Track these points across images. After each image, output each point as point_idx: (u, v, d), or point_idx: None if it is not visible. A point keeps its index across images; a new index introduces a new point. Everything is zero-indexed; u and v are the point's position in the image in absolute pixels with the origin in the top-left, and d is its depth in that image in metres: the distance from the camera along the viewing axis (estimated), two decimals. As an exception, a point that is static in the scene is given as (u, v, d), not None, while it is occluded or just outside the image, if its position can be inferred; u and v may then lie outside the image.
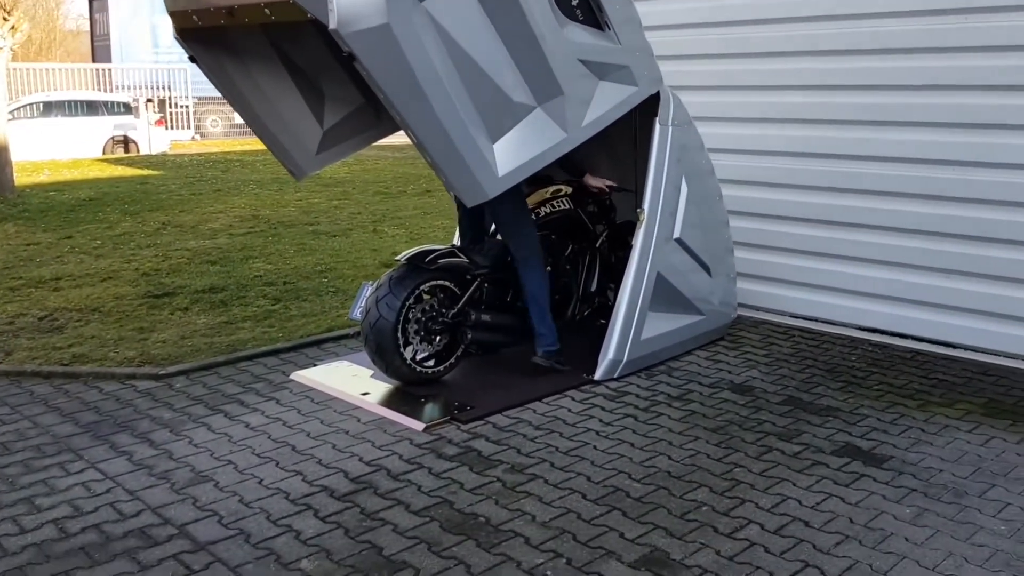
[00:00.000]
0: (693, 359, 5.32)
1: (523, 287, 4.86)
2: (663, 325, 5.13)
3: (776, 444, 4.07)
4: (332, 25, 3.44)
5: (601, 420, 4.36)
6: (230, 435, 4.17)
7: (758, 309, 6.29)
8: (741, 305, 6.14)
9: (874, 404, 4.57)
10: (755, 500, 3.53)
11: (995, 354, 5.25)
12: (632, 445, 4.06)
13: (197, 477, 3.73)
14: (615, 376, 4.91)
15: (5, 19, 10.75)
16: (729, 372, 5.09)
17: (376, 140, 5.38)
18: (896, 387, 4.83)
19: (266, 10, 3.69)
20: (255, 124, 4.78)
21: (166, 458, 3.92)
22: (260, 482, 3.68)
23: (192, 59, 4.41)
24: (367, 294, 4.71)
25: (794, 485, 3.65)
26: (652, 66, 4.82)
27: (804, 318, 6.09)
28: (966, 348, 5.37)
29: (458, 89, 3.86)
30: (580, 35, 4.34)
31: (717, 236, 5.49)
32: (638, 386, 4.84)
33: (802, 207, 5.99)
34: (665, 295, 5.08)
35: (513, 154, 4.15)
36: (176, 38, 4.32)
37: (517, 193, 4.73)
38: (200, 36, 4.33)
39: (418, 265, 4.60)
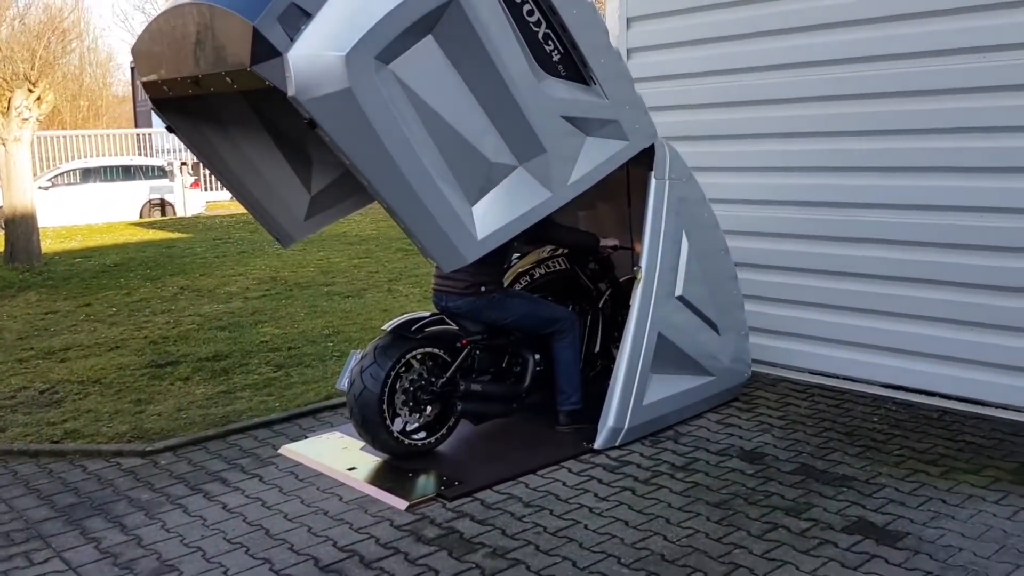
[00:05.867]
0: (703, 422, 5.03)
1: (556, 357, 4.79)
2: (668, 388, 4.86)
3: (783, 520, 3.76)
4: (290, 92, 3.31)
5: (596, 495, 4.09)
6: (205, 518, 3.98)
7: (776, 366, 5.97)
8: (758, 362, 5.84)
9: (893, 472, 4.24)
10: (753, 588, 3.23)
11: (1029, 412, 4.89)
12: (626, 524, 3.78)
13: (162, 567, 3.54)
14: (616, 444, 4.64)
15: (31, 90, 10.96)
16: (740, 437, 4.79)
17: (369, 203, 5.25)
18: (919, 452, 4.49)
19: (227, 79, 3.58)
20: (239, 192, 4.66)
21: (134, 545, 3.73)
22: (225, 572, 3.47)
23: (170, 129, 4.33)
24: (354, 363, 4.53)
25: (797, 569, 3.34)
26: (644, 120, 4.61)
27: (825, 375, 5.76)
28: (997, 406, 5.00)
29: (430, 152, 3.70)
30: (561, 91, 4.15)
31: (724, 292, 5.22)
32: (641, 455, 4.56)
33: (822, 258, 5.69)
34: (669, 356, 4.82)
35: (494, 216, 3.96)
36: (153, 108, 4.25)
37: (516, 295, 4.76)
38: (177, 105, 4.24)
39: (403, 335, 4.41)
